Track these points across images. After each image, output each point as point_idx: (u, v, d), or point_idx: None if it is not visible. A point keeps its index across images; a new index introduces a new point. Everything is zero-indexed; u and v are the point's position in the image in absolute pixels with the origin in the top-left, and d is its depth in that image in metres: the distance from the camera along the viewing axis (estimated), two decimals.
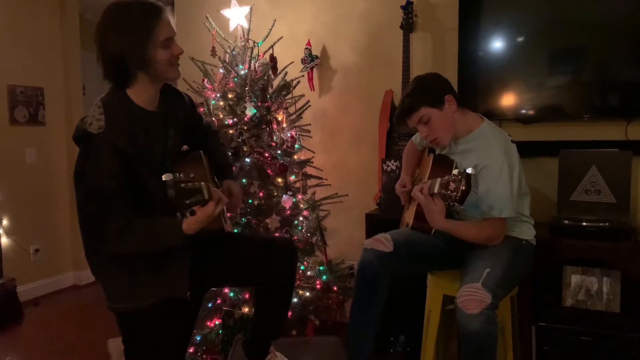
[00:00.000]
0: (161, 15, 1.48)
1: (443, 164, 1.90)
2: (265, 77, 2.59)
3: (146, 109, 1.54)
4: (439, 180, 1.69)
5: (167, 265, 1.55)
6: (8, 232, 3.54)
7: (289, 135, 2.62)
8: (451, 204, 1.65)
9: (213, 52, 2.66)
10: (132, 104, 1.51)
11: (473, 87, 2.62)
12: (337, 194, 2.76)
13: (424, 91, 1.87)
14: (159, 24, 1.47)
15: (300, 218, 2.60)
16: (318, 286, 2.64)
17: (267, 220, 2.42)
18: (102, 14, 1.47)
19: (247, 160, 2.45)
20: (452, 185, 1.59)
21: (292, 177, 2.61)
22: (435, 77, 1.93)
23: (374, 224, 2.59)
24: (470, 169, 1.58)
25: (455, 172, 1.59)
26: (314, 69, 3.11)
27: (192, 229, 1.45)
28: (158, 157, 1.54)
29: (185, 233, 1.45)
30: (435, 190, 1.69)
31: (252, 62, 2.57)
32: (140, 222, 1.47)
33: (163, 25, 1.48)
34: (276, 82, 2.70)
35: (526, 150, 2.24)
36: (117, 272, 1.55)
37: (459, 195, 1.57)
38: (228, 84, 2.57)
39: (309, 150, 2.84)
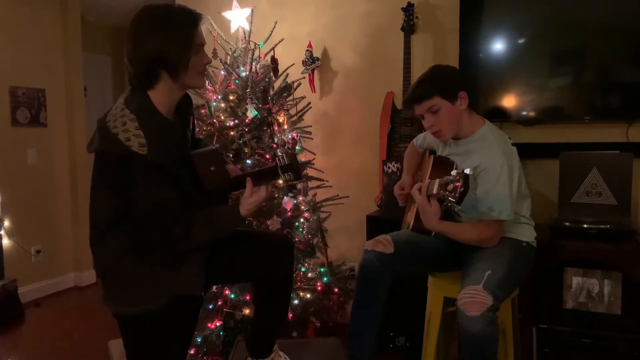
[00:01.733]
0: (200, 21, 1.51)
1: (443, 165, 1.90)
2: (267, 79, 2.60)
3: (168, 117, 1.54)
4: (437, 181, 1.69)
5: (184, 262, 1.57)
6: (9, 233, 3.54)
7: (290, 136, 2.62)
8: (449, 204, 1.66)
9: (214, 54, 2.67)
10: (159, 113, 1.51)
11: (474, 88, 2.61)
12: (338, 195, 2.76)
13: (441, 82, 1.85)
14: (197, 30, 1.50)
15: (301, 219, 2.60)
16: (319, 288, 2.64)
17: (268, 222, 2.42)
18: (138, 14, 1.48)
19: (248, 161, 2.46)
20: (451, 186, 1.60)
21: None
22: (454, 71, 1.93)
23: (375, 226, 2.59)
24: (469, 169, 1.59)
25: (454, 172, 1.60)
26: (315, 71, 3.12)
27: (250, 213, 1.57)
28: (181, 162, 1.55)
29: (243, 216, 1.56)
30: (434, 191, 1.70)
31: (253, 63, 2.57)
32: (199, 217, 1.52)
33: (199, 31, 1.51)
34: (277, 84, 2.70)
35: (527, 151, 2.24)
36: (132, 272, 1.54)
37: (457, 195, 1.57)
38: (229, 86, 2.58)
39: (310, 151, 2.84)
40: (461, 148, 1.93)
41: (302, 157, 2.70)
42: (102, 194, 1.52)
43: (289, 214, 2.52)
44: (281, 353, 1.86)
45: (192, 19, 1.49)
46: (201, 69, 1.55)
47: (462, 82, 1.91)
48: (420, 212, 1.80)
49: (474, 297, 1.61)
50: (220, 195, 1.64)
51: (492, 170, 1.79)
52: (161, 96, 1.51)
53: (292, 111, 2.75)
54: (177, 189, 1.49)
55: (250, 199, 1.55)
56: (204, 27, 1.54)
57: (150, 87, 1.50)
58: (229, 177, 1.63)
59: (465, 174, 1.56)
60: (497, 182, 1.78)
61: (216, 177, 1.59)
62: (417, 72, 2.80)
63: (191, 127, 1.72)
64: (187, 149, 1.63)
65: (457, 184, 1.57)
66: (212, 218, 1.55)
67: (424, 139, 2.20)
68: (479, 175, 1.82)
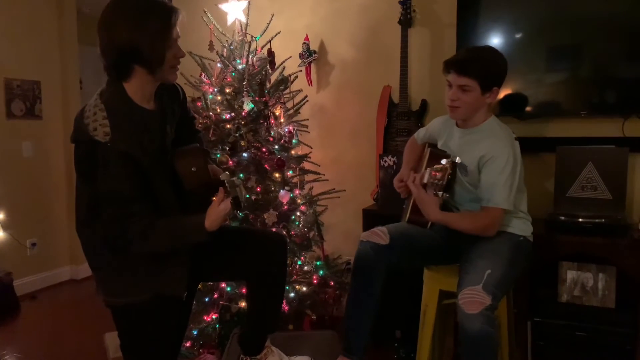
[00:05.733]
0: (177, 15, 1.48)
1: (439, 157, 1.92)
2: (263, 72, 2.59)
3: (145, 107, 1.53)
4: (428, 170, 1.71)
5: (167, 263, 1.55)
6: (5, 226, 3.53)
7: (286, 130, 2.62)
8: (437, 191, 1.67)
9: (211, 47, 2.65)
10: (132, 103, 1.50)
11: None
12: (334, 189, 2.76)
13: (487, 71, 1.84)
14: (174, 24, 1.47)
15: (298, 213, 2.60)
16: (315, 281, 2.64)
17: (265, 215, 2.42)
18: (113, 3, 1.45)
19: (245, 155, 2.45)
20: (439, 174, 1.61)
21: (290, 172, 2.61)
22: (503, 65, 1.89)
23: (371, 219, 2.59)
24: (458, 157, 1.60)
25: (443, 161, 1.61)
26: (312, 64, 3.11)
27: (215, 226, 1.49)
28: (158, 156, 1.53)
29: (208, 230, 1.49)
30: (425, 180, 1.71)
31: (250, 56, 2.56)
32: (162, 221, 1.48)
33: (175, 26, 1.48)
34: (274, 77, 2.69)
35: (523, 146, 2.23)
36: (116, 268, 1.54)
37: (444, 182, 1.59)
38: (226, 79, 2.57)
39: (307, 145, 2.83)
40: (467, 137, 1.94)
41: (298, 151, 2.70)
42: (79, 184, 1.53)
43: (285, 207, 2.51)
44: (274, 348, 1.86)
45: (169, 14, 1.46)
46: (174, 63, 1.53)
47: (502, 78, 1.90)
48: (418, 203, 1.81)
49: (474, 297, 1.63)
50: (199, 196, 1.59)
51: (498, 160, 1.81)
52: (135, 87, 1.50)
53: (289, 104, 2.74)
54: (144, 183, 1.46)
55: (217, 207, 1.49)
56: (180, 20, 1.50)
57: (123, 79, 1.48)
58: (209, 179, 1.59)
59: (454, 162, 1.58)
60: (502, 173, 1.80)
61: (197, 178, 1.56)
62: (414, 66, 2.81)
63: (178, 118, 1.67)
64: (168, 140, 1.59)
65: (445, 171, 1.59)
66: (175, 227, 1.50)
67: (425, 132, 2.20)
68: (485, 164, 1.83)
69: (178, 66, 1.56)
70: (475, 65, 1.83)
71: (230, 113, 2.49)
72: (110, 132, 1.40)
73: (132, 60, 1.44)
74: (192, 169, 1.56)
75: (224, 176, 1.48)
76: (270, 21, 2.66)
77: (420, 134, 2.24)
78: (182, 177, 1.56)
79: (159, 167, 1.52)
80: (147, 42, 1.42)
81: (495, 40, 2.54)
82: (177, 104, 1.68)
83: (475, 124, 1.93)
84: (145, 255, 1.52)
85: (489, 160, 1.82)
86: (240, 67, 2.55)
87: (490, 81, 1.84)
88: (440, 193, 1.66)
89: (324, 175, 2.79)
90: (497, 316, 1.65)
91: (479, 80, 1.82)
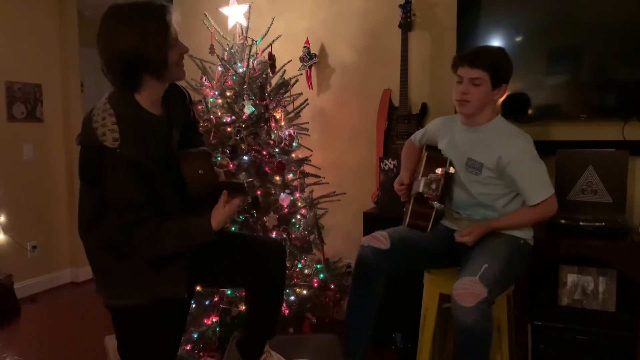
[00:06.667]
0: (170, 12, 1.46)
1: (435, 162, 1.93)
2: (264, 75, 2.59)
3: (152, 112, 1.53)
4: (423, 179, 1.73)
5: (168, 265, 1.55)
6: (5, 229, 3.53)
7: (287, 133, 2.62)
8: (433, 202, 1.68)
9: (211, 50, 2.66)
10: (140, 108, 1.49)
11: None
12: (334, 192, 2.76)
13: (499, 66, 1.89)
14: (171, 22, 1.46)
15: (298, 216, 2.60)
16: (315, 284, 2.64)
17: (265, 219, 2.42)
18: (107, 13, 1.43)
19: (245, 158, 2.45)
20: (433, 185, 1.64)
21: (290, 175, 2.61)
22: (511, 65, 1.95)
23: (372, 222, 2.59)
24: (452, 168, 1.63)
25: (438, 171, 1.64)
26: (313, 67, 3.11)
27: (220, 226, 1.51)
28: (164, 161, 1.53)
29: (215, 229, 1.50)
30: (420, 189, 1.72)
31: (251, 60, 2.57)
32: (168, 224, 1.48)
33: (172, 24, 1.47)
34: (274, 80, 2.70)
35: None
36: (118, 270, 1.55)
37: (438, 193, 1.61)
38: (226, 82, 2.57)
39: (307, 148, 2.84)
40: (476, 135, 1.95)
41: (299, 154, 2.70)
42: (84, 188, 1.54)
43: (286, 210, 2.52)
44: (273, 352, 1.86)
45: (163, 14, 1.44)
46: (179, 59, 1.51)
47: (509, 76, 1.94)
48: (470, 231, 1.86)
49: (468, 289, 1.63)
50: (203, 199, 1.59)
51: (523, 160, 1.85)
52: (147, 94, 1.50)
53: (289, 108, 2.74)
54: (150, 188, 1.46)
55: (222, 209, 1.50)
56: (175, 16, 1.48)
57: (135, 90, 1.48)
58: (216, 181, 1.60)
59: (447, 171, 1.61)
60: (532, 168, 1.85)
61: (203, 181, 1.56)
62: (414, 69, 2.82)
63: (183, 122, 1.67)
64: (174, 144, 1.60)
65: (439, 182, 1.62)
66: (182, 228, 1.50)
67: (423, 135, 2.20)
68: (509, 167, 1.85)
69: (182, 61, 1.54)
70: (488, 58, 1.88)
71: (230, 116, 2.50)
72: (119, 138, 1.39)
73: (138, 69, 1.43)
74: (199, 172, 1.56)
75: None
76: (270, 25, 2.67)
77: (417, 136, 2.24)
78: (188, 180, 1.55)
79: (164, 171, 1.52)
80: (149, 46, 1.41)
81: (496, 43, 2.54)
82: (183, 107, 1.68)
83: (482, 122, 1.94)
84: (149, 257, 1.53)
85: (513, 163, 1.84)
86: (240, 70, 2.56)
87: (500, 76, 1.88)
88: (435, 204, 1.68)
89: (325, 178, 2.80)
90: (493, 311, 1.65)
91: (490, 73, 1.85)
